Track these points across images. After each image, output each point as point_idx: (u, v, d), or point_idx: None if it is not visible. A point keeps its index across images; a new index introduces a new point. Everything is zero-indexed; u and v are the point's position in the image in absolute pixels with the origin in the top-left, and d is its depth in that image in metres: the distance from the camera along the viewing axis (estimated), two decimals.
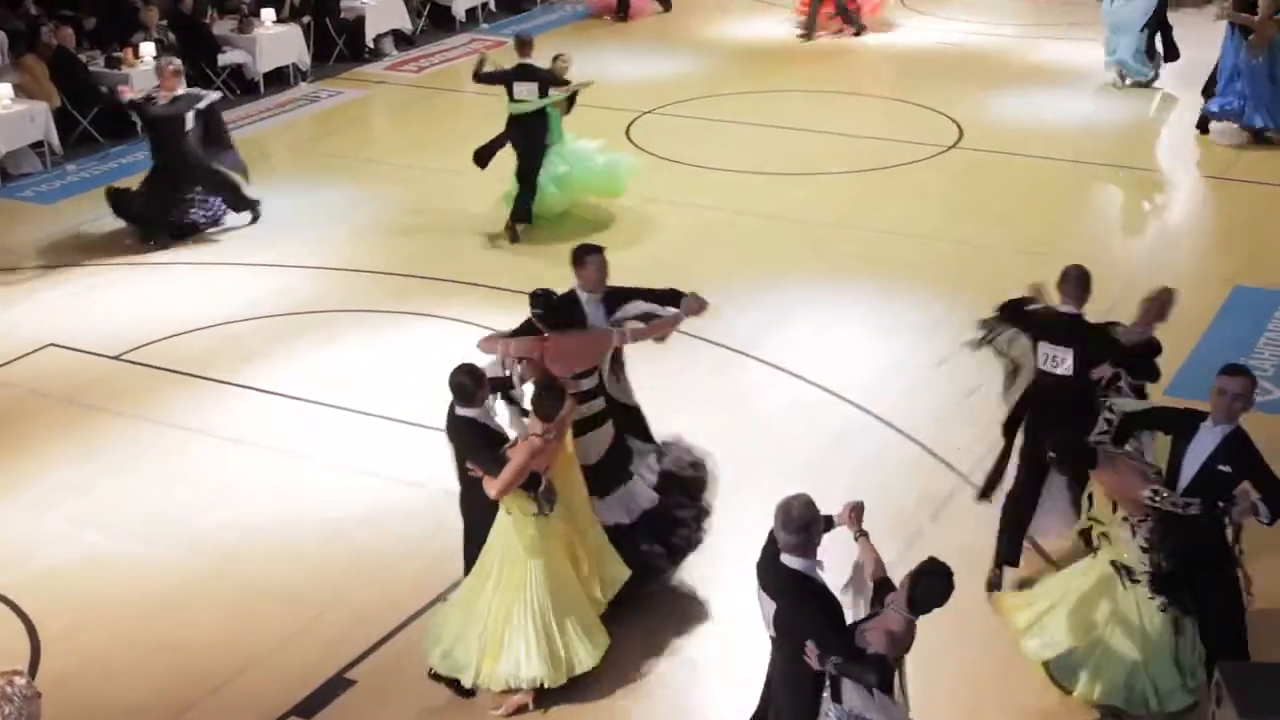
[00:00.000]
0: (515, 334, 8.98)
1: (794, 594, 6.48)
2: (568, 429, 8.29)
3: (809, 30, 22.97)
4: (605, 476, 9.00)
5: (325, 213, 15.89)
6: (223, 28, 20.82)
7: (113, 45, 19.20)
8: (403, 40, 23.08)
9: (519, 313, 9.10)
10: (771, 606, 6.57)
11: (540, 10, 25.45)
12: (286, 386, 12.19)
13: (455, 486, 10.21)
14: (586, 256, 9.10)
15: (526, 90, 14.68)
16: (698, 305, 9.27)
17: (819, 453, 10.96)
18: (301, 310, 13.57)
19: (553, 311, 8.84)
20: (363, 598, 9.43)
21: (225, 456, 11.21)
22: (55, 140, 17.83)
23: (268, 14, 20.82)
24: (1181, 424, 7.75)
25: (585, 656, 8.34)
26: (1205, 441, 7.57)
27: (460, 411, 8.19)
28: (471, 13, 24.43)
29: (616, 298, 9.16)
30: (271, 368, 12.52)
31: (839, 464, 10.79)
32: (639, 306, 9.17)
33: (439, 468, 10.77)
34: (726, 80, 20.75)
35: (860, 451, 10.97)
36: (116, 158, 18.16)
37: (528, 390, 8.52)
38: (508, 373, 8.82)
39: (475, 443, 8.14)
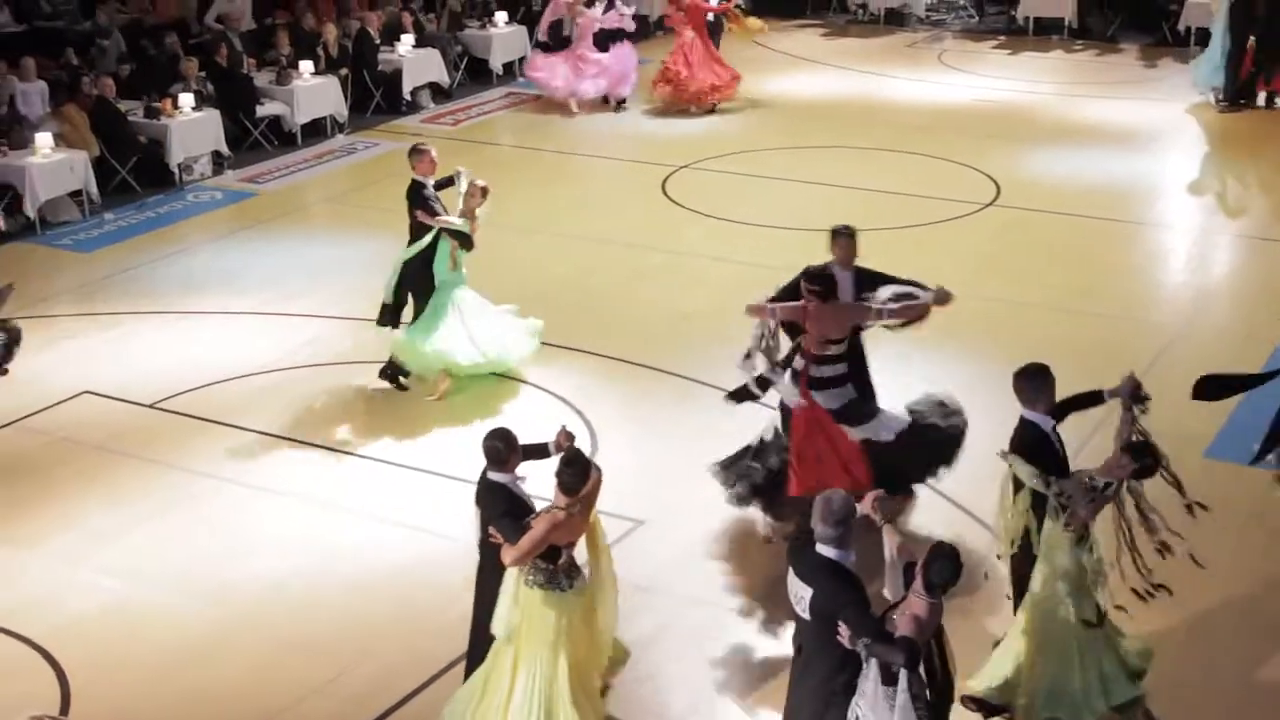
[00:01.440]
0: (777, 300, 10.22)
1: (829, 580, 6.94)
2: (593, 505, 8.22)
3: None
4: (854, 412, 10.11)
5: (360, 264, 15.95)
6: (261, 79, 20.99)
7: (152, 95, 19.36)
8: (439, 93, 23.23)
9: (551, 365, 9.10)
10: (807, 591, 6.98)
11: None
12: (318, 437, 12.21)
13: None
14: (838, 236, 10.62)
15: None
16: (945, 296, 10.29)
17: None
18: (335, 361, 13.61)
19: (821, 282, 9.92)
20: (391, 651, 9.41)
21: (256, 506, 11.23)
22: (94, 189, 17.98)
23: (306, 66, 21.00)
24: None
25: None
26: None
27: (491, 476, 8.19)
28: (509, 66, 24.57)
29: (866, 278, 10.48)
30: (304, 418, 12.55)
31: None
32: (890, 289, 10.26)
33: (471, 520, 10.81)
34: (763, 136, 20.81)
35: (906, 520, 10.91)
36: (154, 207, 18.30)
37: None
38: (768, 338, 10.18)
39: (501, 508, 8.09)
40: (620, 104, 22.31)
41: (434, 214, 12.57)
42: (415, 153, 12.95)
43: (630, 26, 22.61)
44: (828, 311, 10.00)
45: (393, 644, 9.49)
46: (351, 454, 11.96)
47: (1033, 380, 8.47)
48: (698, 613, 9.80)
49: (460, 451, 11.92)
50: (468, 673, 8.60)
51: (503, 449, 8.14)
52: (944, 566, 6.84)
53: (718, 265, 15.73)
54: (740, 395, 10.68)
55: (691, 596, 9.99)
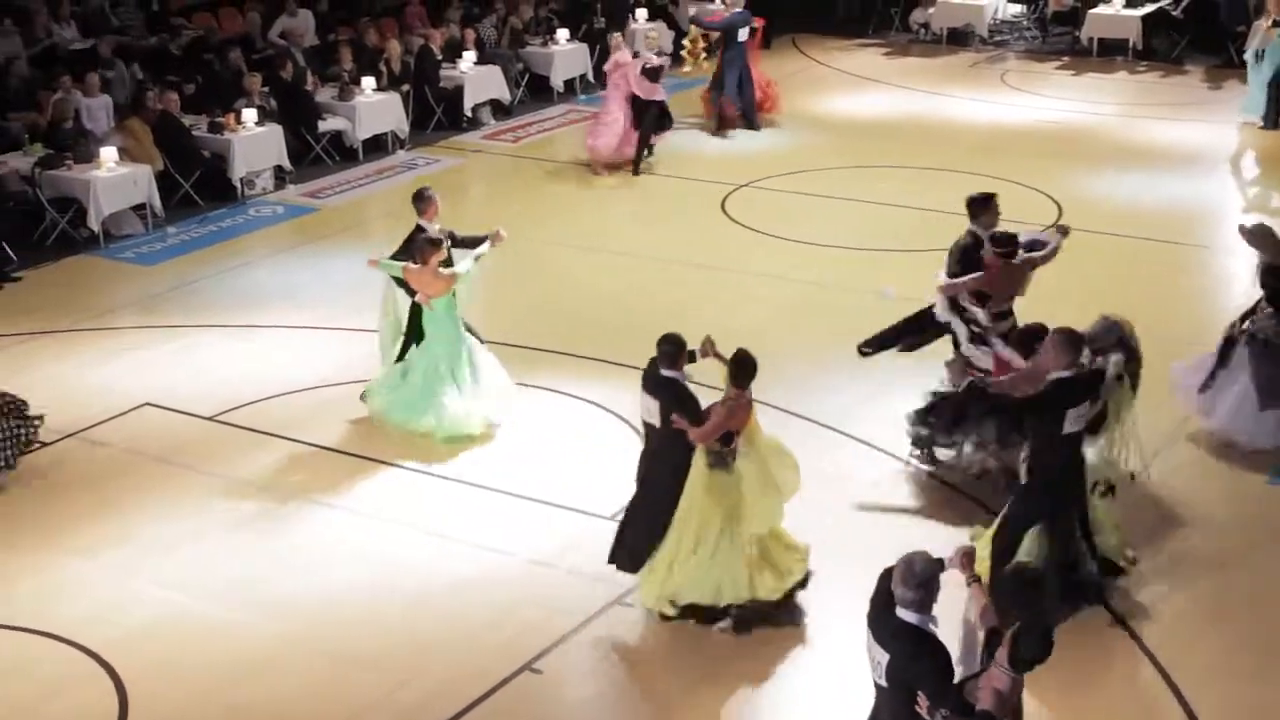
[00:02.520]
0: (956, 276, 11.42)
1: (909, 646, 6.60)
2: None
3: (719, 128, 22.08)
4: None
5: None
6: (323, 95, 21.12)
7: (215, 110, 19.52)
8: (500, 110, 23.30)
9: (607, 381, 9.14)
10: (885, 657, 6.67)
11: None
12: (376, 451, 12.26)
13: (541, 557, 10.28)
14: (988, 201, 11.76)
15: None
16: (1066, 231, 11.94)
17: (912, 533, 10.83)
18: None
19: (1009, 243, 11.28)
20: (445, 667, 9.43)
21: (314, 520, 11.29)
22: (157, 203, 18.10)
23: (368, 82, 21.10)
24: None
25: (773, 583, 9.69)
26: None
27: (664, 372, 9.64)
28: (570, 83, 24.63)
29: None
30: (362, 432, 12.60)
31: (932, 546, 10.65)
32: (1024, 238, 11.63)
33: (527, 536, 10.85)
34: (823, 155, 20.77)
35: (957, 537, 10.84)
36: (215, 221, 18.44)
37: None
38: (965, 310, 11.37)
39: (682, 396, 9.63)
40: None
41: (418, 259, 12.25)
42: (421, 198, 12.78)
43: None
44: (1014, 270, 11.32)
45: (448, 660, 9.51)
46: (409, 469, 12.00)
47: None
48: (754, 632, 9.76)
49: (517, 467, 11.96)
50: (637, 559, 9.90)
51: (674, 351, 9.70)
52: (1035, 643, 6.53)
53: (776, 284, 15.71)
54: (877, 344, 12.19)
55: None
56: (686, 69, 24.07)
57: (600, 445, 12.37)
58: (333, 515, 11.35)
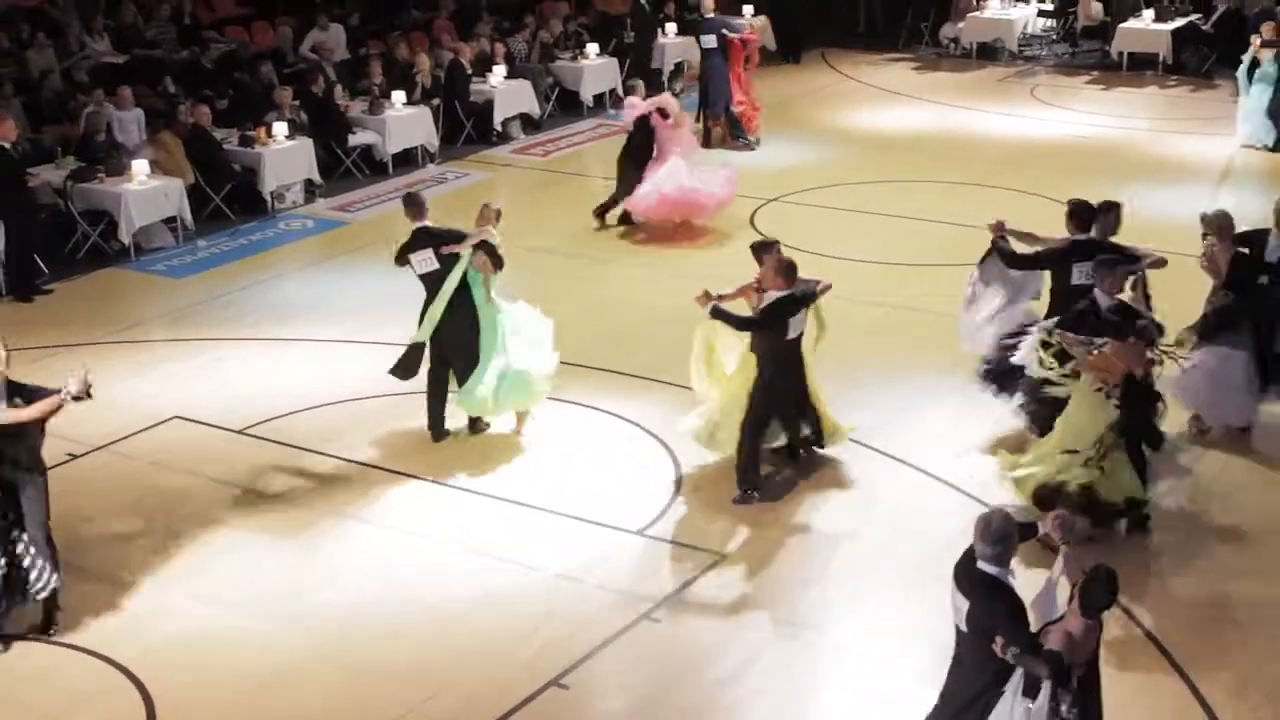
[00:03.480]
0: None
1: (986, 595, 7.35)
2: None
3: (704, 144, 21.64)
4: None
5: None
6: (354, 109, 21.15)
7: (246, 124, 19.56)
8: (530, 124, 23.30)
9: (636, 397, 9.08)
10: (965, 604, 7.43)
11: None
12: (403, 465, 12.24)
13: (569, 572, 10.29)
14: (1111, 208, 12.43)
15: (424, 259, 12.45)
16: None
17: (940, 549, 10.71)
18: (421, 390, 13.63)
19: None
20: (472, 682, 9.40)
21: (340, 533, 11.27)
22: (188, 216, 18.12)
23: (398, 96, 21.13)
24: None
25: None
26: None
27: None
28: (599, 98, 24.62)
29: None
30: (389, 446, 12.59)
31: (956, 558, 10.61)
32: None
33: (555, 551, 10.82)
34: (853, 169, 20.72)
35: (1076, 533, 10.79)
36: (246, 234, 18.46)
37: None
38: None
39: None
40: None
41: (460, 239, 12.33)
42: (414, 202, 12.58)
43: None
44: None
45: (475, 674, 9.47)
46: (436, 482, 11.99)
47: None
48: (782, 647, 9.72)
49: (545, 481, 11.93)
50: None
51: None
52: (1099, 588, 7.22)
53: None
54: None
55: (775, 630, 9.92)
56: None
57: (629, 460, 12.33)
58: (361, 529, 11.33)
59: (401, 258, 12.43)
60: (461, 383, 12.51)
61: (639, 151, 18.15)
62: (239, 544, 11.10)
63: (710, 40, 21.74)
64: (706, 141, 21.81)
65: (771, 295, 11.59)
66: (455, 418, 12.79)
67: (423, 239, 12.37)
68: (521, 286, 13.30)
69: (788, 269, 11.67)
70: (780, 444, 12.06)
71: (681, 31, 25.73)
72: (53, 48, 20.58)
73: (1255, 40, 21.63)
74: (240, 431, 12.92)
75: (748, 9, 25.49)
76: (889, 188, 19.69)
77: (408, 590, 10.44)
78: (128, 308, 16.06)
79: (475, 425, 12.80)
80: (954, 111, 24.19)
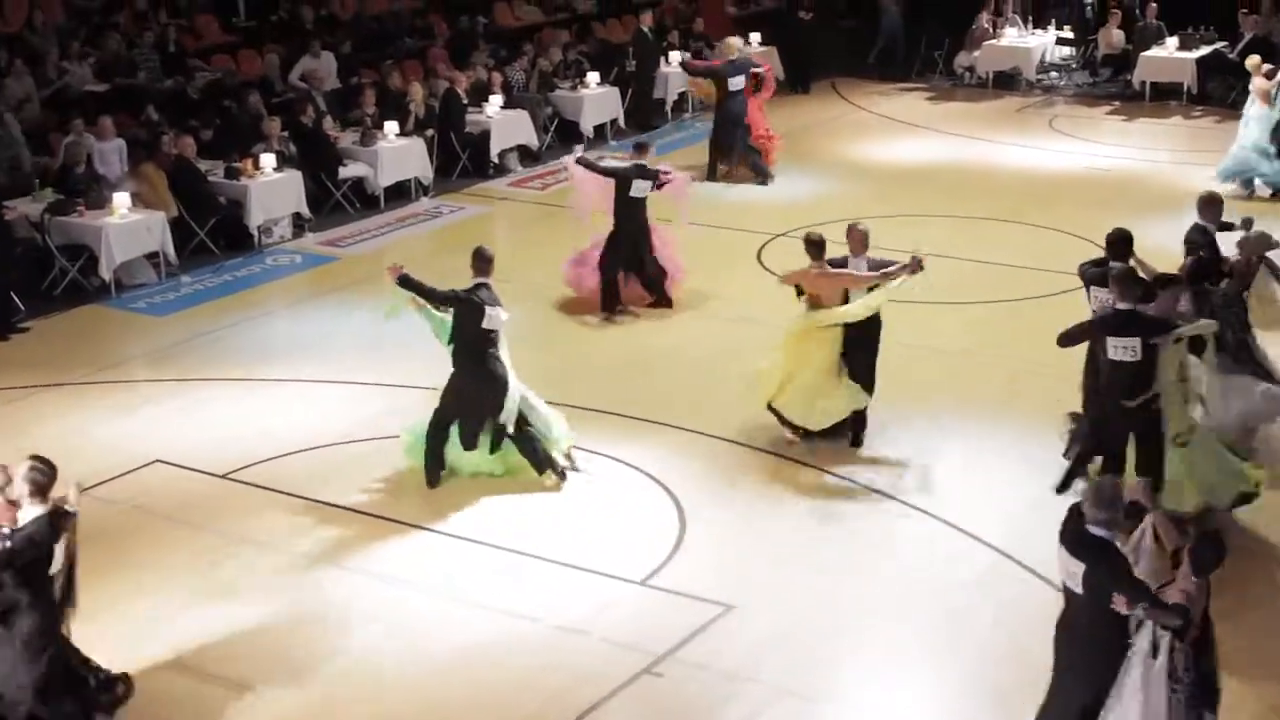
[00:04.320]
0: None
1: (1100, 555, 8.12)
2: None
3: (712, 175, 22.02)
4: None
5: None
6: (345, 140, 21.20)
7: (233, 155, 19.60)
8: (528, 156, 23.36)
9: (638, 439, 9.06)
10: (1079, 567, 8.14)
11: (671, 127, 25.65)
12: (394, 512, 12.22)
13: (570, 623, 10.25)
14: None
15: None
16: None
17: (955, 599, 10.79)
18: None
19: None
20: None
21: (332, 583, 11.24)
22: (171, 251, 18.13)
23: (391, 126, 21.18)
24: None
25: None
26: None
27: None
28: (600, 129, 24.69)
29: None
30: (380, 492, 12.58)
31: (976, 612, 10.61)
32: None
33: (555, 601, 10.79)
34: (864, 203, 20.70)
35: (1000, 599, 10.78)
36: (231, 270, 18.49)
37: None
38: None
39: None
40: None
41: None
42: (487, 259, 12.68)
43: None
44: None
45: None
46: (430, 530, 11.96)
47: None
48: (788, 703, 9.69)
49: (541, 528, 11.91)
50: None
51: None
52: (1208, 550, 8.04)
53: None
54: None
55: (781, 686, 9.88)
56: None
57: (632, 506, 12.32)
58: (351, 578, 11.30)
59: (465, 301, 12.41)
60: (472, 441, 12.63)
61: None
62: (223, 593, 11.06)
63: (739, 81, 21.80)
64: (712, 175, 21.89)
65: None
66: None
67: (494, 294, 12.50)
68: (518, 325, 13.32)
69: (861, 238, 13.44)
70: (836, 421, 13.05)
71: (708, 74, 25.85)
72: (30, 75, 20.62)
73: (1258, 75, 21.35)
74: (225, 476, 12.90)
75: (755, 37, 25.63)
76: (901, 222, 19.67)
77: (402, 642, 10.41)
78: (108, 347, 16.07)
79: (553, 466, 12.74)
80: (969, 143, 24.26)
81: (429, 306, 12.58)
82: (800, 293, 13.26)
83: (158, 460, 13.21)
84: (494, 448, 12.63)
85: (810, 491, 12.45)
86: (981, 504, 12.16)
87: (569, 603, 10.87)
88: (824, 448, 13.07)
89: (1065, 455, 12.38)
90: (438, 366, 14.68)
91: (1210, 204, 13.92)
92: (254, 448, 13.37)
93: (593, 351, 15.43)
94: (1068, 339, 11.66)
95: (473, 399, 12.53)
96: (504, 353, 12.62)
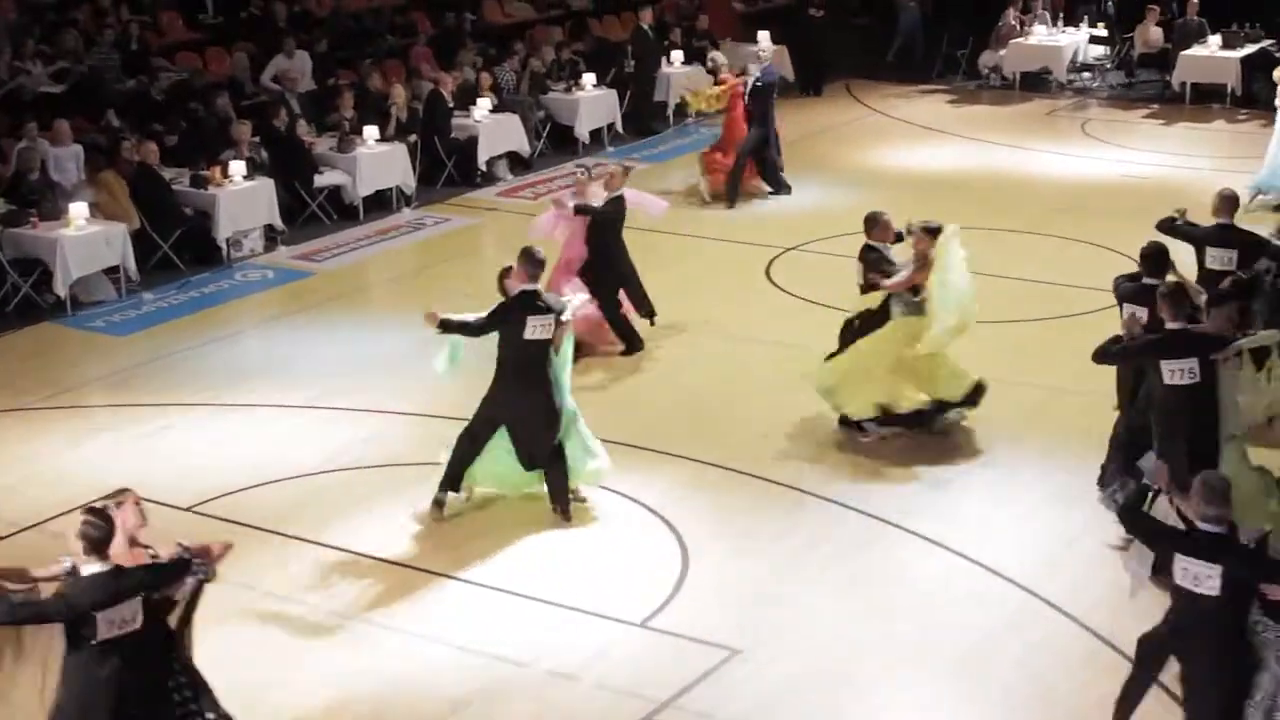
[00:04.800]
0: None
1: (1238, 552, 8.60)
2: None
3: (731, 199, 21.47)
4: None
5: (425, 354, 15.98)
6: (321, 145, 21.22)
7: (199, 162, 19.62)
8: (519, 163, 23.40)
9: (637, 470, 9.08)
10: (1216, 569, 8.47)
11: (673, 133, 25.69)
12: (376, 548, 12.21)
13: (564, 668, 10.23)
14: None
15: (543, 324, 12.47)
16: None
17: (978, 640, 10.79)
18: (395, 462, 13.65)
19: None
20: None
21: (306, 625, 11.23)
22: (132, 265, 18.17)
23: (370, 131, 21.21)
24: None
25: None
26: None
27: None
28: (596, 134, 24.72)
29: None
30: (359, 526, 12.57)
31: (1001, 653, 10.62)
32: None
33: (548, 644, 10.79)
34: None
35: (1026, 640, 10.79)
36: (198, 286, 18.51)
37: None
38: None
39: None
40: None
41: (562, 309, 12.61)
42: (536, 262, 12.58)
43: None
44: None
45: None
46: (414, 568, 11.95)
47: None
48: None
49: (533, 566, 11.92)
50: None
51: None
52: None
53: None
54: None
55: None
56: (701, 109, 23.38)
57: (630, 542, 12.33)
58: (330, 621, 11.30)
59: (503, 319, 12.37)
60: (538, 459, 12.55)
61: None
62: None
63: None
64: (732, 197, 21.60)
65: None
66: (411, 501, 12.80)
67: (540, 303, 12.43)
68: None
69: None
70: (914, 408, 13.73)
71: (689, 60, 25.88)
72: None
73: None
74: (190, 509, 12.90)
75: (763, 36, 25.68)
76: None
77: (385, 690, 10.39)
78: (63, 369, 16.09)
79: (564, 505, 12.68)
80: (995, 150, 24.31)
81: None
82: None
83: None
84: (532, 464, 12.62)
85: (823, 526, 12.46)
86: (1007, 538, 12.18)
87: (562, 646, 10.86)
88: (838, 484, 13.09)
89: (1114, 496, 12.04)
90: (423, 389, 14.75)
91: (1229, 201, 14.35)
92: (223, 478, 13.38)
93: (585, 374, 15.43)
94: (1106, 356, 11.68)
95: (523, 415, 12.48)
96: (566, 368, 12.63)
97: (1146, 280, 12.34)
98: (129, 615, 8.43)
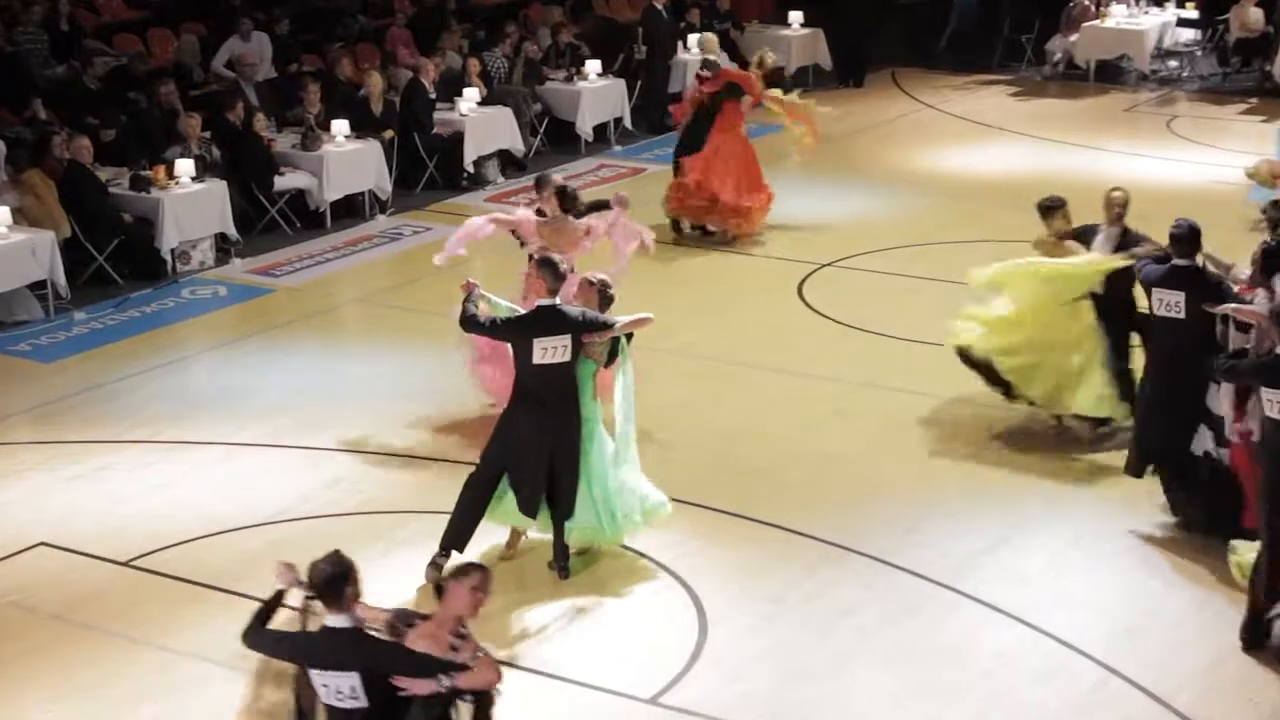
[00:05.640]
0: None
1: None
2: None
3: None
4: None
5: (400, 385, 16.04)
6: (282, 142, 21.26)
7: (140, 161, 19.64)
8: (512, 164, 23.43)
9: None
10: None
11: None
12: None
13: None
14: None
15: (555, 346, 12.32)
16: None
17: (1045, 711, 10.79)
18: (364, 510, 13.65)
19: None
20: None
21: (267, 703, 11.23)
22: (61, 280, 18.21)
23: (339, 126, 21.24)
24: None
25: None
26: None
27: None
28: (600, 130, 24.72)
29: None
30: None
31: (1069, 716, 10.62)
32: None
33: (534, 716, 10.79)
34: (930, 225, 20.80)
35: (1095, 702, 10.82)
36: (138, 305, 18.54)
37: None
38: None
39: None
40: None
41: (606, 325, 12.43)
42: (556, 273, 12.51)
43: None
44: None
45: None
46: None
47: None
48: None
49: (531, 632, 11.89)
50: None
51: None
52: None
53: (868, 393, 15.70)
54: None
55: None
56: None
57: (640, 605, 12.31)
58: (281, 696, 11.28)
59: (511, 335, 12.41)
60: (556, 507, 12.48)
61: None
62: (122, 714, 11.04)
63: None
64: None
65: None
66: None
67: (553, 321, 12.30)
68: None
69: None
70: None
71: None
72: None
73: None
74: (127, 564, 12.90)
75: (795, 16, 25.75)
76: (977, 249, 19.67)
77: None
78: None
79: (563, 560, 12.69)
80: (1065, 150, 24.33)
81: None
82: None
83: (42, 543, 13.21)
84: (528, 510, 12.53)
85: (863, 588, 12.42)
86: (1080, 606, 12.15)
87: None
88: (883, 537, 13.07)
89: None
90: (401, 425, 14.75)
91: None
92: (165, 527, 13.37)
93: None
94: (1233, 374, 11.91)
95: (531, 454, 12.36)
96: (626, 394, 12.57)
97: (1177, 262, 12.92)
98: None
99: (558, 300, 12.38)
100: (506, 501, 12.58)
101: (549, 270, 12.45)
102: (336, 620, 8.30)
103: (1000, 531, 13.21)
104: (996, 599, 12.23)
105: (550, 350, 12.21)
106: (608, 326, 12.38)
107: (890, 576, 12.53)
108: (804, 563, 12.83)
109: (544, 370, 12.25)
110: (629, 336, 12.58)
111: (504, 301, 12.81)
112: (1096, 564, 12.75)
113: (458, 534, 12.50)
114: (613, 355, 12.62)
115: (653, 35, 25.90)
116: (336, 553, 8.51)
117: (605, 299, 12.55)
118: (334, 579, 8.32)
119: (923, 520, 13.37)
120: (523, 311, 12.61)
